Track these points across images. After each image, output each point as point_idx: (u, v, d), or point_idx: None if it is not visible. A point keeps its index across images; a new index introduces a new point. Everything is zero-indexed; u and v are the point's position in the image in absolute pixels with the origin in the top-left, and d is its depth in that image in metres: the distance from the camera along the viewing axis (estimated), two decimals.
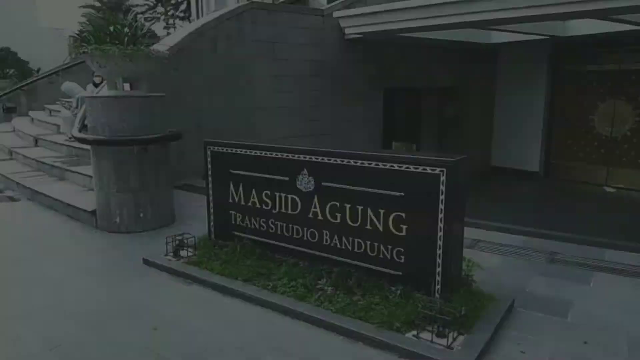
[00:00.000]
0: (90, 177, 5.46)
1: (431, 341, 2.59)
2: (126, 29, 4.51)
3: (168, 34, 18.15)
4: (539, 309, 3.09)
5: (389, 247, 3.07)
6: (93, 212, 4.91)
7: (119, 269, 3.86)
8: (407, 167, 2.90)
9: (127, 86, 4.83)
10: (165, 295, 3.38)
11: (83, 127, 5.05)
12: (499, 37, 10.98)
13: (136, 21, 4.69)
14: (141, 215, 4.78)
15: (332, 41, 9.94)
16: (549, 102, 11.87)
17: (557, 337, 2.75)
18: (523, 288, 3.40)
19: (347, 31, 9.70)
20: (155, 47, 5.13)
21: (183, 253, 3.92)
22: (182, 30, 8.11)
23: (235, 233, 3.91)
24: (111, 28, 4.40)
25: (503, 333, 2.79)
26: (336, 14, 9.53)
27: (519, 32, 9.99)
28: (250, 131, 9.14)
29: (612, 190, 10.92)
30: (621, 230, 7.69)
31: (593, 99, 11.21)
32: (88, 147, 5.12)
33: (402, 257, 3.02)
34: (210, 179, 4.01)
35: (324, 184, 3.31)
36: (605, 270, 3.71)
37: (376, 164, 3.02)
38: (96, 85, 8.04)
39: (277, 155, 3.52)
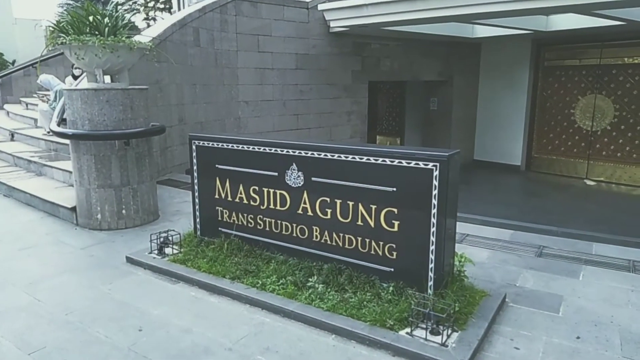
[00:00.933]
0: (70, 172, 5.29)
1: (425, 339, 2.55)
2: (106, 20, 4.34)
3: (148, 25, 17.80)
4: (531, 303, 3.08)
5: (381, 243, 3.01)
6: (73, 209, 4.76)
7: (102, 267, 3.74)
8: (400, 162, 2.85)
9: (107, 78, 4.67)
10: (150, 294, 3.27)
11: (62, 121, 4.87)
12: (482, 31, 11.01)
13: (117, 11, 4.52)
14: (124, 211, 4.64)
15: (317, 34, 9.86)
16: (531, 97, 11.99)
17: (550, 332, 2.74)
18: (513, 282, 3.40)
19: (332, 24, 9.62)
20: (137, 38, 4.97)
21: (168, 250, 3.82)
22: (165, 21, 7.91)
23: (222, 230, 3.82)
24: (90, 18, 4.23)
25: (496, 329, 2.77)
26: (321, 6, 9.43)
27: (502, 27, 10.02)
28: (235, 125, 9.02)
29: (592, 183, 11.10)
30: (603, 223, 7.81)
31: (574, 94, 11.36)
32: (67, 141, 4.96)
33: (394, 253, 2.97)
34: (195, 174, 3.90)
35: (313, 179, 3.23)
36: (594, 263, 3.73)
37: (367, 159, 2.96)
38: (75, 77, 7.82)
39: (265, 149, 3.43)
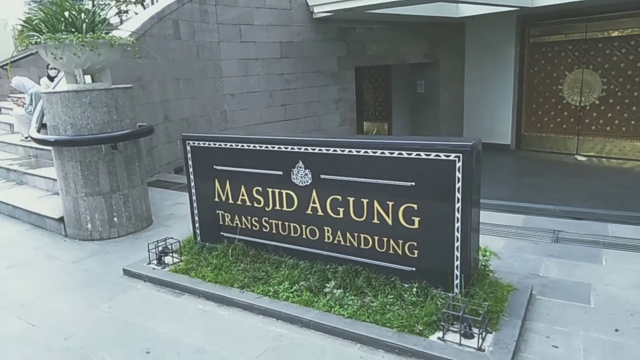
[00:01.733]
0: (54, 180, 5.00)
1: (459, 344, 2.38)
2: (83, 15, 4.02)
3: (121, 20, 17.16)
4: (559, 295, 2.93)
5: (400, 241, 2.82)
6: (60, 220, 4.47)
7: (98, 282, 3.49)
8: (418, 154, 2.65)
9: (88, 79, 4.36)
10: (154, 310, 3.04)
11: (42, 126, 4.55)
12: (466, 10, 10.83)
13: (94, 5, 4.19)
14: (115, 219, 4.37)
15: (300, 21, 9.56)
16: (518, 74, 11.89)
17: (586, 326, 2.60)
18: (536, 272, 3.25)
19: (315, 10, 9.33)
20: (115, 33, 4.65)
21: (168, 260, 3.58)
22: (142, 14, 7.53)
23: (224, 234, 3.59)
24: (66, 14, 3.91)
25: (529, 326, 2.62)
26: None
27: (487, 4, 9.84)
28: (221, 119, 8.73)
29: (583, 158, 11.09)
30: (600, 198, 7.78)
31: (561, 69, 11.28)
32: (49, 147, 4.65)
33: (415, 251, 2.79)
34: (192, 177, 3.65)
35: (322, 176, 3.02)
36: (614, 246, 3.60)
37: (382, 152, 2.75)
38: (52, 78, 7.41)
39: (267, 147, 3.20)
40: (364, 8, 9.02)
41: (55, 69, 7.23)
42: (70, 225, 4.40)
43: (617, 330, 2.55)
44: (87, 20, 4.05)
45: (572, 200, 7.54)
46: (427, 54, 12.00)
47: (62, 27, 4.11)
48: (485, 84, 12.36)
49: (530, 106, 11.93)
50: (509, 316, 2.61)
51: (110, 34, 4.23)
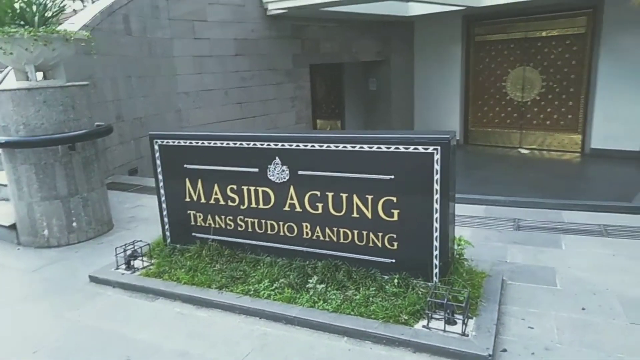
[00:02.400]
0: (3, 185, 4.69)
1: (444, 330, 2.46)
2: (34, 7, 3.79)
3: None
4: (527, 279, 3.09)
5: (380, 234, 2.87)
6: (12, 227, 4.20)
7: (62, 291, 3.30)
8: (397, 148, 2.70)
9: (39, 75, 4.12)
10: (128, 316, 2.92)
11: None
12: (415, 9, 11.13)
13: None
14: (74, 224, 4.16)
15: (255, 18, 9.46)
16: (465, 72, 12.35)
17: (555, 307, 2.75)
18: (503, 259, 3.40)
19: (269, 7, 9.27)
20: (65, 27, 4.41)
21: (137, 264, 3.45)
22: (91, 8, 7.18)
23: (197, 235, 3.50)
24: (16, 5, 3.66)
25: (504, 310, 2.74)
26: None
27: (435, 4, 10.17)
28: (176, 118, 8.49)
29: (526, 151, 11.70)
30: (544, 189, 8.24)
31: (504, 67, 11.83)
32: None
33: (395, 243, 2.85)
34: (160, 176, 3.53)
35: (300, 172, 3.01)
36: (570, 231, 3.84)
37: (361, 147, 2.79)
38: None
39: (242, 144, 3.15)
40: (317, 6, 9.05)
41: None
42: (24, 233, 4.14)
43: (583, 309, 2.72)
44: (38, 13, 3.82)
45: (520, 191, 7.94)
46: (379, 51, 12.22)
47: (9, 20, 3.86)
48: (434, 81, 12.75)
49: (476, 102, 12.43)
50: (486, 301, 2.73)
51: (64, 28, 4.01)
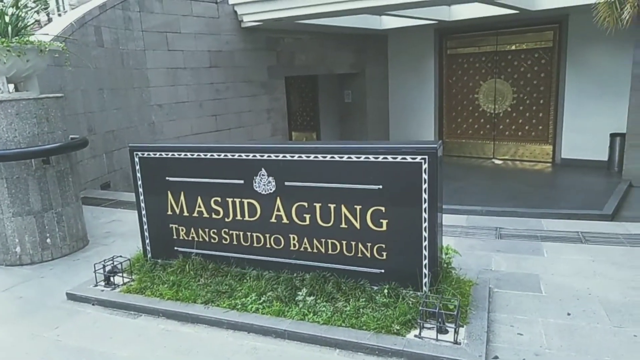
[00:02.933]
0: None
1: (436, 339, 2.45)
2: (7, 18, 3.67)
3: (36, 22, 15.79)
4: (513, 286, 3.13)
5: (369, 244, 2.86)
6: None
7: (38, 310, 3.16)
8: (385, 158, 2.71)
9: (10, 87, 3.98)
10: (110, 334, 2.81)
11: None
12: (389, 22, 11.31)
13: (18, 8, 3.84)
14: (48, 240, 4.00)
15: (229, 30, 9.44)
16: (438, 84, 12.59)
17: (542, 313, 2.79)
18: (488, 267, 3.44)
19: (244, 19, 9.26)
20: (38, 38, 4.29)
21: (117, 280, 3.34)
22: (62, 19, 7.02)
23: (179, 249, 3.42)
24: None
25: (493, 317, 2.76)
26: (232, 0, 9.00)
27: (408, 17, 10.35)
28: (149, 131, 8.34)
29: (499, 162, 11.96)
30: (519, 198, 8.42)
31: (476, 79, 12.12)
32: None
33: (384, 253, 2.84)
34: (141, 189, 3.44)
35: (287, 183, 2.98)
36: (550, 239, 3.92)
37: (349, 157, 2.78)
38: None
39: (227, 155, 3.11)
40: (292, 18, 9.10)
41: None
42: None
43: (569, 314, 2.77)
44: (11, 24, 3.70)
45: (497, 200, 8.10)
46: (354, 64, 12.34)
47: None
48: (409, 93, 12.95)
49: (450, 114, 12.67)
50: (475, 309, 2.74)
51: (37, 39, 3.90)
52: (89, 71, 6.77)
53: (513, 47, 11.43)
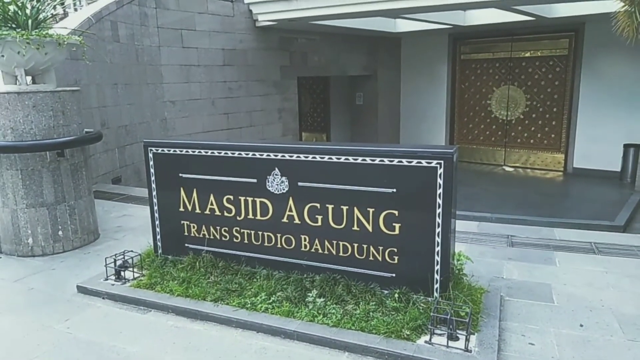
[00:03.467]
0: None
1: (447, 346, 2.43)
2: (27, 11, 3.70)
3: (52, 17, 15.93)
4: (524, 295, 3.10)
5: (380, 248, 2.85)
6: None
7: (49, 302, 3.18)
8: (400, 161, 2.69)
9: (28, 79, 4.01)
10: (120, 328, 2.82)
11: None
12: (403, 26, 11.28)
13: (38, 1, 3.87)
14: (60, 233, 4.02)
15: (243, 29, 9.47)
16: (451, 89, 12.53)
17: (554, 323, 2.76)
18: (500, 275, 3.41)
19: (259, 18, 9.28)
20: (56, 31, 4.32)
21: (128, 275, 3.35)
22: (79, 14, 7.08)
23: (190, 246, 3.43)
24: (11, 8, 3.57)
25: (504, 326, 2.73)
26: None
27: (423, 21, 10.32)
28: (161, 127, 8.38)
29: (510, 169, 11.88)
30: (532, 206, 8.35)
31: (489, 85, 12.05)
32: None
33: (396, 257, 2.82)
34: (154, 185, 3.45)
35: (300, 184, 2.98)
36: (562, 249, 3.87)
37: (363, 159, 2.77)
38: None
39: (241, 154, 3.11)
40: (307, 19, 9.10)
41: None
42: (7, 241, 3.99)
43: (581, 326, 2.73)
44: (31, 16, 3.73)
45: (508, 208, 8.05)
46: (366, 66, 12.33)
47: (1, 23, 3.76)
48: (420, 97, 12.91)
49: (462, 119, 12.61)
50: (486, 317, 2.72)
51: (56, 33, 3.93)
52: (104, 66, 6.81)
53: (528, 54, 11.35)
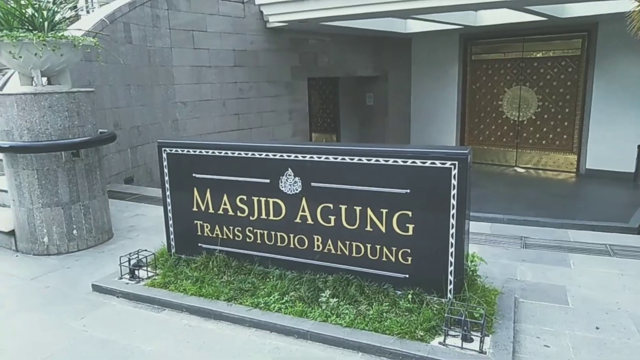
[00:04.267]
0: (3, 191, 4.61)
1: (461, 347, 2.42)
2: (45, 13, 3.75)
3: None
4: (539, 297, 3.07)
5: (393, 248, 2.84)
6: (11, 233, 4.11)
7: (65, 300, 3.21)
8: (414, 162, 2.69)
9: (44, 80, 4.07)
10: (135, 327, 2.84)
11: None
12: (414, 26, 11.26)
13: (54, 3, 3.92)
14: (75, 232, 4.07)
15: (254, 30, 9.50)
16: (462, 90, 12.48)
17: (569, 325, 2.73)
18: (513, 277, 3.39)
19: (270, 19, 9.31)
20: (71, 33, 4.37)
21: (142, 274, 3.38)
22: (93, 15, 7.16)
23: (203, 246, 3.44)
24: (29, 11, 3.62)
25: (519, 328, 2.71)
26: (259, 0, 9.06)
27: (434, 22, 10.30)
28: (173, 127, 8.43)
29: (522, 170, 11.79)
30: (544, 207, 8.28)
31: (501, 86, 11.99)
32: None
33: (409, 258, 2.82)
34: (167, 185, 3.48)
35: (313, 184, 2.98)
36: (577, 250, 3.84)
37: (377, 160, 2.77)
38: None
39: (254, 154, 3.12)
40: (318, 20, 9.12)
41: None
42: (23, 239, 4.04)
43: (597, 328, 2.71)
44: (48, 19, 3.78)
45: (520, 209, 7.99)
46: (376, 67, 12.31)
47: (18, 25, 3.82)
48: (431, 97, 12.86)
49: (473, 120, 12.55)
50: (500, 319, 2.70)
51: (71, 34, 3.97)
52: (117, 67, 6.88)
53: (539, 55, 11.27)
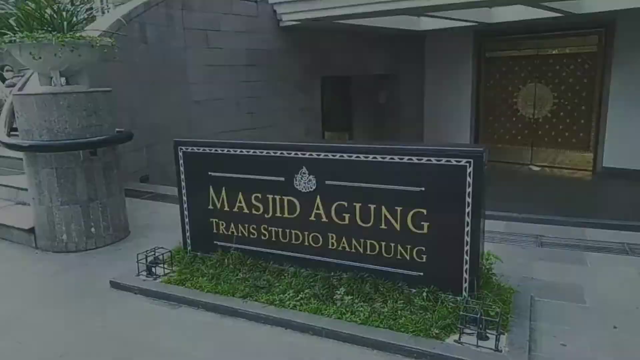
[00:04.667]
0: (17, 189, 4.73)
1: (477, 345, 2.42)
2: (64, 14, 3.82)
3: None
4: (555, 296, 3.05)
5: (408, 246, 2.85)
6: (31, 230, 4.19)
7: (83, 296, 3.28)
8: (429, 160, 2.69)
9: (62, 80, 4.13)
10: (153, 323, 2.89)
11: (11, 130, 4.26)
12: (428, 24, 11.18)
13: (73, 4, 3.99)
14: (93, 230, 4.14)
15: (267, 28, 9.52)
16: (475, 87, 12.37)
17: (587, 324, 2.71)
18: (529, 275, 3.36)
19: (284, 18, 9.33)
20: (89, 34, 4.44)
21: (159, 271, 3.42)
22: (109, 16, 7.25)
23: (219, 243, 3.48)
24: (48, 11, 3.69)
25: (535, 326, 2.70)
26: None
27: (448, 19, 10.21)
28: (187, 126, 8.50)
29: (537, 168, 11.67)
30: (564, 205, 8.19)
31: (515, 83, 11.86)
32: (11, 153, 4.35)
33: (424, 256, 2.82)
34: (183, 183, 3.52)
35: (327, 182, 3.00)
36: (593, 249, 3.79)
37: (391, 158, 2.77)
38: (4, 80, 6.96)
39: (269, 153, 3.15)
40: (331, 18, 9.12)
41: (10, 70, 6.81)
42: (43, 237, 4.12)
43: (615, 328, 2.68)
44: (67, 20, 3.84)
45: (536, 207, 7.89)
46: (389, 65, 12.26)
47: (37, 26, 3.88)
48: (445, 95, 12.78)
49: (487, 118, 12.44)
50: (516, 317, 2.69)
51: (88, 35, 4.04)
52: (133, 66, 6.96)
53: (555, 51, 11.13)
